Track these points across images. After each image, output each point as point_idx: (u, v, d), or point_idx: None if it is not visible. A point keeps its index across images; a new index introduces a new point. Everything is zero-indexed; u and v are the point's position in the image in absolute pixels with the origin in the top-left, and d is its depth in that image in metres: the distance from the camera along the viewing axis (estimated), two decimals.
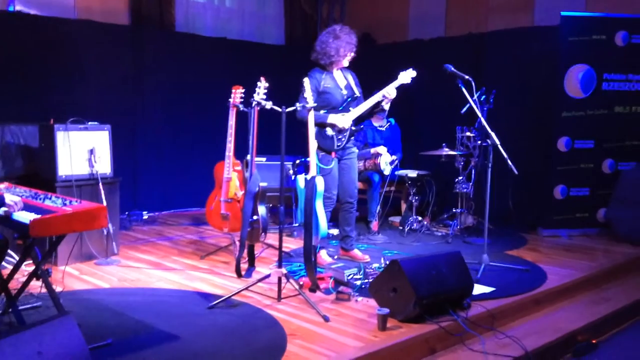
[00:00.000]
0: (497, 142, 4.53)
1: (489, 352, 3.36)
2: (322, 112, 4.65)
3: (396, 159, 6.23)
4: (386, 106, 4.81)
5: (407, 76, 4.74)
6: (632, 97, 6.16)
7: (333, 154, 4.72)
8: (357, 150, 5.00)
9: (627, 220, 5.88)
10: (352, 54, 4.74)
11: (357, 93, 4.81)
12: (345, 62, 4.77)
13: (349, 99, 4.75)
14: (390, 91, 4.68)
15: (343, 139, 4.71)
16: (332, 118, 4.64)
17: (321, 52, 4.70)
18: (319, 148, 4.64)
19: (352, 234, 4.99)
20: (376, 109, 4.83)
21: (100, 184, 4.83)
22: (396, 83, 4.72)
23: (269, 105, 3.96)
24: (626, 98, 6.16)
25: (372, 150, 6.18)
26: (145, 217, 6.76)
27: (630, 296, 4.59)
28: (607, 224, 6.19)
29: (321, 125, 4.65)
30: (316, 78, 4.68)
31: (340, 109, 4.72)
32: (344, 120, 4.66)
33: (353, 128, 4.75)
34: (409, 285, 3.47)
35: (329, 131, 4.66)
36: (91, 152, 4.88)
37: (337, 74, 4.80)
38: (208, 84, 7.43)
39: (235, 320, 3.52)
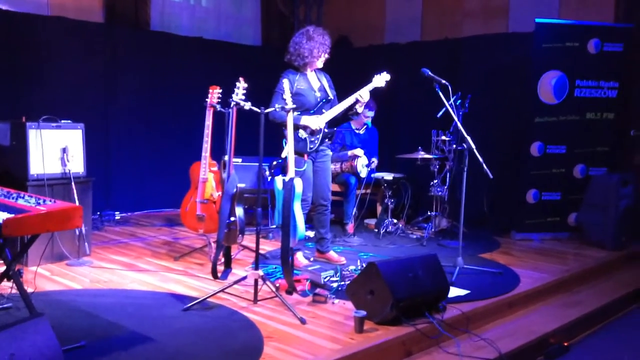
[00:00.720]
0: (473, 146, 4.58)
1: (464, 355, 3.39)
2: (295, 114, 4.63)
3: (374, 162, 6.25)
4: (360, 109, 4.81)
5: (381, 80, 4.75)
6: (603, 103, 6.28)
7: (305, 156, 4.70)
8: (330, 153, 4.99)
9: (597, 224, 5.99)
10: (326, 55, 4.73)
11: (331, 95, 4.80)
12: (320, 64, 4.76)
13: (323, 101, 4.75)
14: (363, 94, 4.68)
15: (316, 141, 4.70)
16: (305, 120, 4.63)
17: (294, 54, 4.68)
18: None
19: (327, 236, 4.98)
20: (350, 111, 4.83)
21: (73, 184, 4.75)
22: (370, 86, 4.73)
23: (247, 105, 3.94)
24: (597, 104, 6.27)
25: (350, 153, 6.20)
26: (117, 217, 6.66)
27: (600, 299, 4.68)
28: (578, 228, 6.30)
29: (294, 127, 4.62)
30: (290, 79, 4.65)
31: (313, 111, 4.70)
32: (317, 122, 4.64)
33: (326, 130, 4.74)
34: (386, 288, 3.48)
35: (302, 133, 4.65)
36: (64, 150, 4.79)
37: (311, 75, 4.79)
38: (183, 83, 7.36)
39: (211, 323, 3.48)
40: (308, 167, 4.71)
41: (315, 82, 4.78)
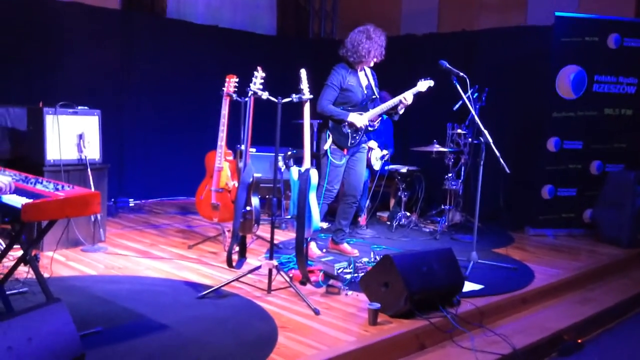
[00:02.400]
0: (490, 140, 4.54)
1: (478, 349, 3.37)
2: (342, 108, 4.66)
3: (387, 154, 6.22)
4: (400, 111, 4.84)
5: (425, 85, 4.80)
6: (621, 99, 6.21)
7: (345, 151, 4.72)
8: (367, 146, 5.04)
9: (612, 221, 5.94)
10: (379, 57, 4.74)
11: (376, 94, 4.86)
12: (372, 63, 4.77)
13: (369, 99, 4.77)
14: (407, 97, 4.72)
15: (357, 137, 4.73)
16: (352, 117, 4.67)
17: (352, 50, 4.67)
18: (333, 142, 4.68)
19: (346, 229, 5.00)
20: (391, 111, 4.85)
21: (89, 170, 4.76)
22: (414, 90, 4.77)
23: (265, 95, 3.92)
24: (616, 100, 6.21)
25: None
26: (131, 204, 6.70)
27: (615, 297, 4.64)
28: (593, 225, 6.25)
29: (339, 122, 4.66)
30: (341, 74, 4.69)
31: (360, 107, 4.74)
32: (361, 120, 4.70)
33: (369, 128, 4.80)
34: (400, 281, 3.47)
35: (346, 128, 4.68)
36: (80, 137, 4.81)
37: (361, 73, 4.81)
38: (198, 71, 7.37)
39: (225, 311, 3.49)
40: (344, 161, 4.74)
41: (364, 79, 4.81)
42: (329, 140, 4.68)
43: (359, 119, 4.68)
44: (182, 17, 7.48)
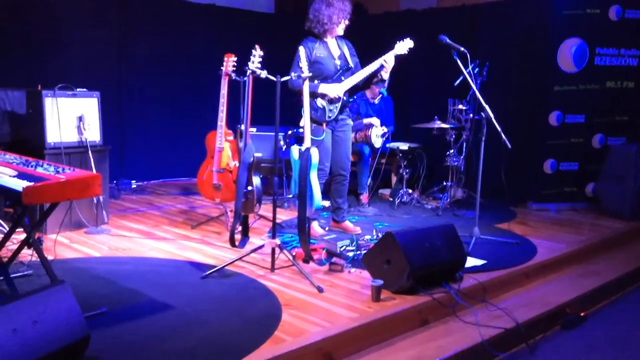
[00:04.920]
0: (491, 115, 4.52)
1: (481, 324, 3.39)
2: (315, 82, 4.59)
3: (387, 132, 6.20)
4: (385, 75, 4.68)
5: (404, 46, 4.62)
6: (623, 72, 6.17)
7: (324, 125, 4.66)
8: (351, 123, 4.92)
9: (615, 195, 5.94)
10: (346, 22, 4.65)
11: (351, 64, 4.72)
12: (340, 30, 4.67)
13: (342, 70, 4.68)
14: (388, 59, 4.57)
15: (334, 110, 4.64)
16: (323, 88, 4.57)
17: (314, 20, 4.60)
18: (310, 119, 4.59)
19: (344, 206, 4.98)
20: (375, 78, 4.73)
21: (90, 152, 4.76)
22: (393, 52, 4.61)
23: (263, 74, 3.89)
24: (618, 73, 6.16)
25: (365, 121, 6.14)
26: (133, 186, 6.70)
27: (617, 270, 4.65)
28: (595, 199, 6.25)
29: (312, 96, 4.58)
30: (309, 47, 4.59)
31: (332, 79, 4.65)
32: (335, 90, 4.59)
33: (344, 99, 4.69)
34: (403, 257, 3.48)
35: (320, 102, 4.60)
36: (80, 119, 4.79)
37: (332, 43, 4.71)
38: (196, 51, 7.33)
39: (229, 290, 3.51)
40: (327, 136, 4.67)
41: (335, 49, 4.71)
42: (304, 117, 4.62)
43: (332, 89, 4.57)
44: None
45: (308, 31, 4.68)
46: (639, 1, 6.03)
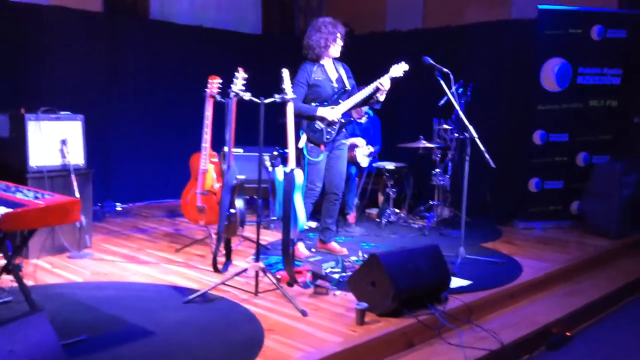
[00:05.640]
0: (475, 135, 4.54)
1: (466, 346, 3.37)
2: (312, 104, 4.63)
3: (374, 151, 6.21)
4: (381, 98, 4.71)
5: (399, 69, 4.65)
6: (606, 90, 6.23)
7: (322, 147, 4.70)
8: (347, 143, 4.98)
9: (600, 213, 5.95)
10: (335, 44, 4.69)
11: (348, 86, 4.80)
12: (334, 53, 4.74)
13: (340, 92, 4.74)
14: (384, 82, 4.61)
15: (332, 132, 4.70)
16: (322, 111, 4.63)
17: (306, 47, 4.71)
18: (308, 140, 4.66)
19: (333, 227, 4.98)
20: (371, 100, 4.76)
21: (73, 176, 4.72)
22: (389, 75, 4.63)
23: (247, 96, 3.90)
24: (601, 92, 6.22)
25: (349, 142, 6.14)
26: (118, 208, 6.65)
27: (603, 289, 4.66)
28: (580, 217, 6.27)
29: (310, 118, 4.64)
30: (307, 70, 4.67)
31: (329, 102, 4.70)
32: (333, 113, 4.65)
33: (342, 121, 4.75)
34: (387, 280, 3.46)
35: (319, 124, 4.65)
36: (63, 142, 4.77)
37: (329, 66, 4.77)
38: (183, 72, 7.32)
39: (211, 315, 3.47)
40: (323, 157, 4.71)
41: (332, 73, 4.77)
42: (303, 138, 4.66)
43: (330, 113, 4.64)
44: (166, 18, 7.42)
45: (305, 57, 4.76)
46: (620, 21, 6.11)
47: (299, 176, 4.04)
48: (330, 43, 4.66)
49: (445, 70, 4.59)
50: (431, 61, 4.62)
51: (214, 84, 4.76)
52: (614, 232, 5.83)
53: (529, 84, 6.13)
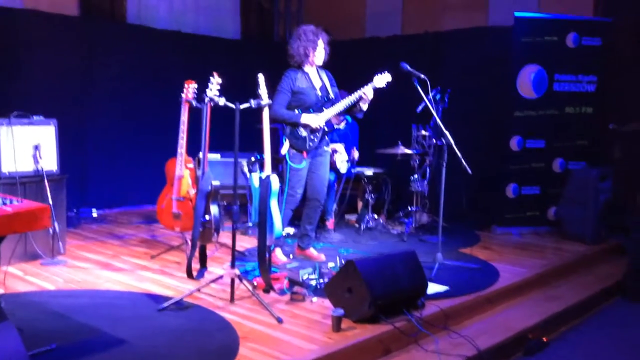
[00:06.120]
0: (452, 141, 4.56)
1: (442, 352, 3.36)
2: (296, 111, 4.61)
3: (354, 157, 6.20)
4: (364, 107, 4.72)
5: (381, 80, 4.64)
6: (582, 97, 6.29)
7: (305, 154, 4.67)
8: (329, 150, 4.97)
9: (576, 218, 6.00)
10: (315, 52, 4.67)
11: (332, 94, 4.80)
12: (317, 60, 4.72)
13: (324, 100, 4.73)
14: (367, 92, 4.61)
15: (315, 139, 4.68)
16: (306, 118, 4.62)
17: (289, 55, 4.72)
18: (291, 147, 4.64)
19: (312, 234, 4.95)
20: (354, 109, 4.77)
21: (46, 181, 4.64)
22: (372, 85, 4.63)
23: (222, 101, 3.87)
24: (576, 99, 6.29)
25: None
26: (95, 214, 6.55)
27: (580, 293, 4.68)
28: (557, 223, 6.31)
29: (294, 125, 4.62)
30: (291, 77, 4.66)
31: (314, 109, 4.69)
32: (317, 120, 4.64)
33: (326, 129, 4.74)
34: (364, 286, 3.44)
35: (302, 131, 4.63)
36: (36, 147, 4.69)
37: (313, 74, 4.76)
38: (161, 77, 7.25)
39: (186, 323, 3.42)
40: (305, 164, 4.70)
41: (317, 80, 4.77)
42: (286, 144, 4.64)
43: (314, 120, 4.64)
44: (144, 23, 7.36)
45: (290, 65, 4.75)
46: (595, 29, 6.19)
47: (275, 182, 4.01)
48: (310, 51, 4.66)
49: (422, 76, 4.61)
50: (409, 67, 4.63)
51: (190, 89, 4.71)
52: (590, 237, 5.87)
53: (506, 90, 6.18)
